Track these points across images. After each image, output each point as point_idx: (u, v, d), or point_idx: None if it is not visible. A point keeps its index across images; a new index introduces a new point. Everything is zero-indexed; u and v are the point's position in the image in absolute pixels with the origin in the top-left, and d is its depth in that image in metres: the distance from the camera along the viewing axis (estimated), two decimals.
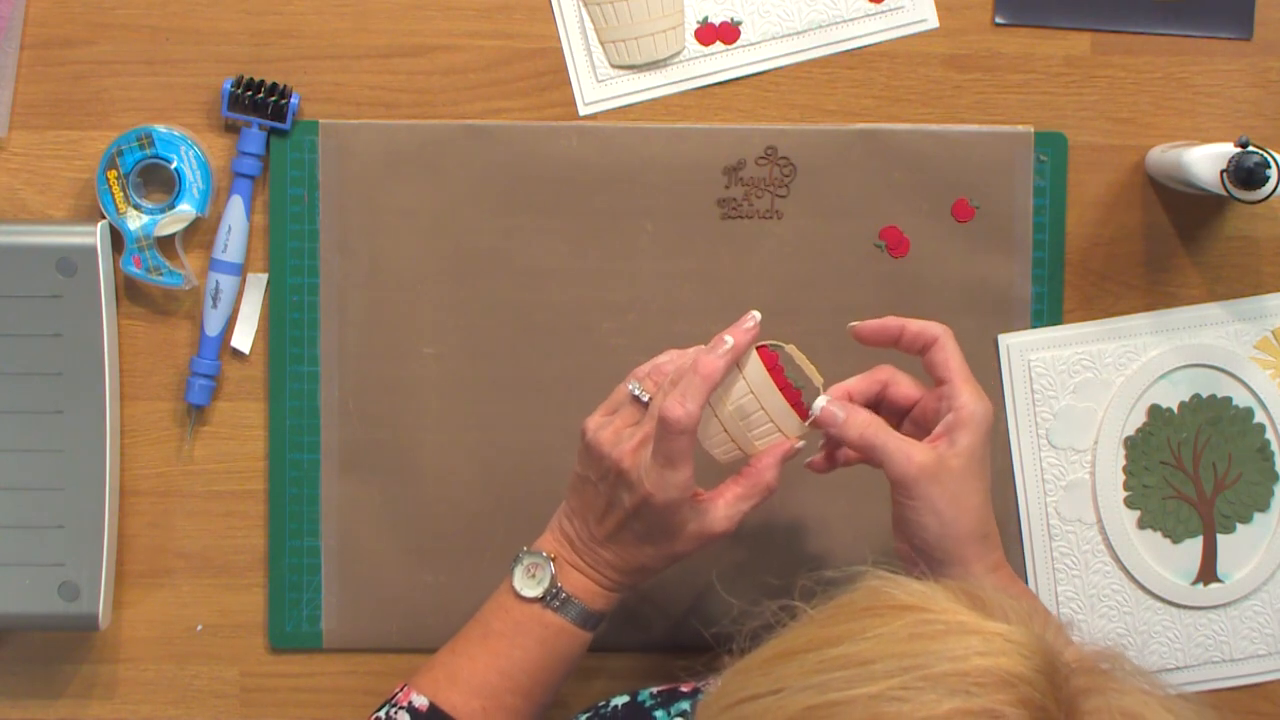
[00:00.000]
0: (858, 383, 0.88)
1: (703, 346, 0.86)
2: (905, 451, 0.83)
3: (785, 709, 0.60)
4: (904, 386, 0.88)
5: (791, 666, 0.63)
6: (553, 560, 0.89)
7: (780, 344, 0.88)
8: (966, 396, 0.84)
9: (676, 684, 0.84)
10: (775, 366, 0.86)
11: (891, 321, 0.87)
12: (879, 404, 0.89)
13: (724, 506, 0.86)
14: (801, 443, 0.87)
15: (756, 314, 0.86)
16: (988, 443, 0.85)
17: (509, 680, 0.88)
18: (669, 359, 0.88)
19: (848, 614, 0.65)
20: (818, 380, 0.88)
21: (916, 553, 0.84)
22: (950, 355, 0.86)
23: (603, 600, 0.89)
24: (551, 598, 0.88)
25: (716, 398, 0.86)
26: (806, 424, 0.86)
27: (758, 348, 0.86)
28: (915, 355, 0.87)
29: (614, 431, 0.86)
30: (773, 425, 0.86)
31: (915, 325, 0.87)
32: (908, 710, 0.58)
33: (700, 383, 0.82)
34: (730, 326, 0.85)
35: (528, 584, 0.89)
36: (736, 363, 0.85)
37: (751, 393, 0.86)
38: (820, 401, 0.85)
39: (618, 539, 0.87)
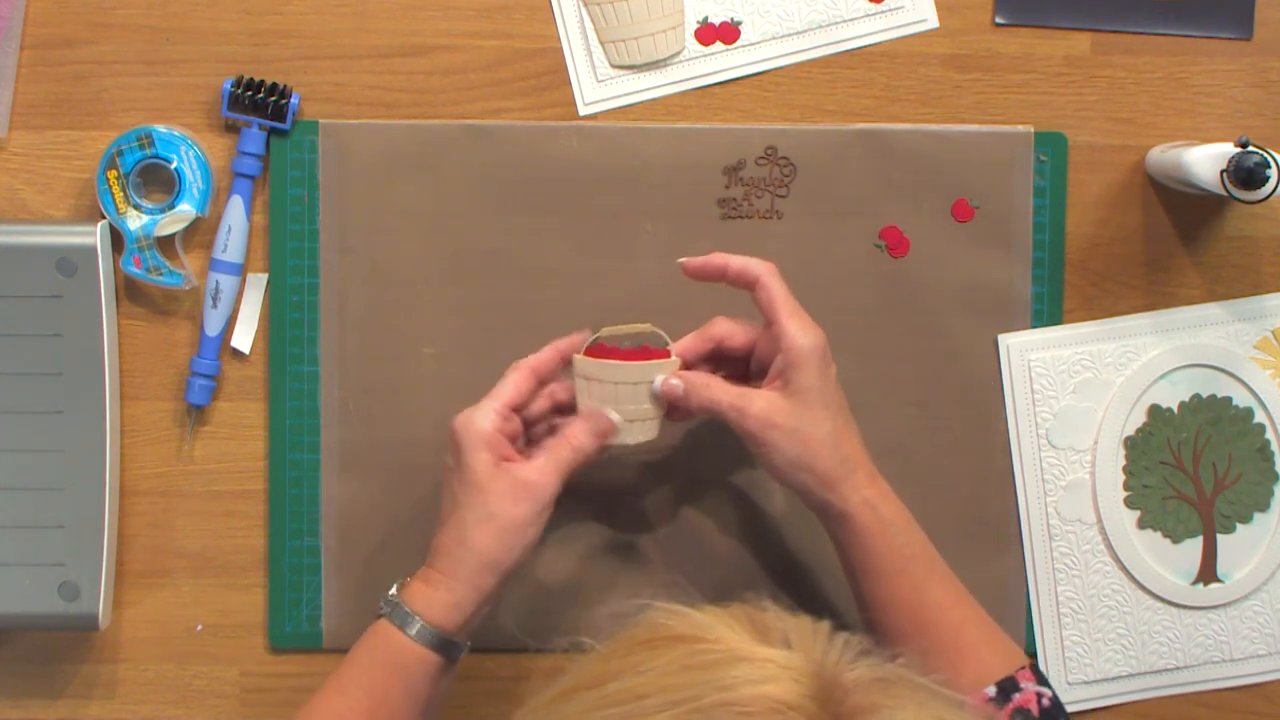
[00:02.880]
0: (690, 341, 0.91)
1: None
2: (740, 407, 0.86)
3: None
4: (738, 337, 0.91)
5: (574, 705, 0.64)
6: (405, 580, 0.89)
7: (593, 335, 0.91)
8: (793, 333, 0.86)
9: None
10: (606, 350, 0.90)
11: (716, 258, 0.90)
12: (719, 356, 0.92)
13: (531, 463, 0.87)
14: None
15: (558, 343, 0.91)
16: (825, 370, 0.87)
17: (341, 695, 0.87)
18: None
19: (627, 648, 0.67)
20: (644, 328, 0.91)
21: (788, 486, 0.88)
22: (774, 294, 0.88)
23: (439, 608, 0.86)
24: (384, 603, 0.88)
25: (621, 406, 0.89)
26: (676, 360, 0.90)
27: (585, 351, 0.90)
28: (745, 290, 0.90)
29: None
30: (647, 385, 0.89)
31: (737, 263, 0.89)
32: None
33: (495, 393, 0.88)
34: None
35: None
36: (583, 377, 0.89)
37: (611, 383, 0.89)
38: (658, 381, 0.88)
39: (442, 514, 0.88)
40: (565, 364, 0.91)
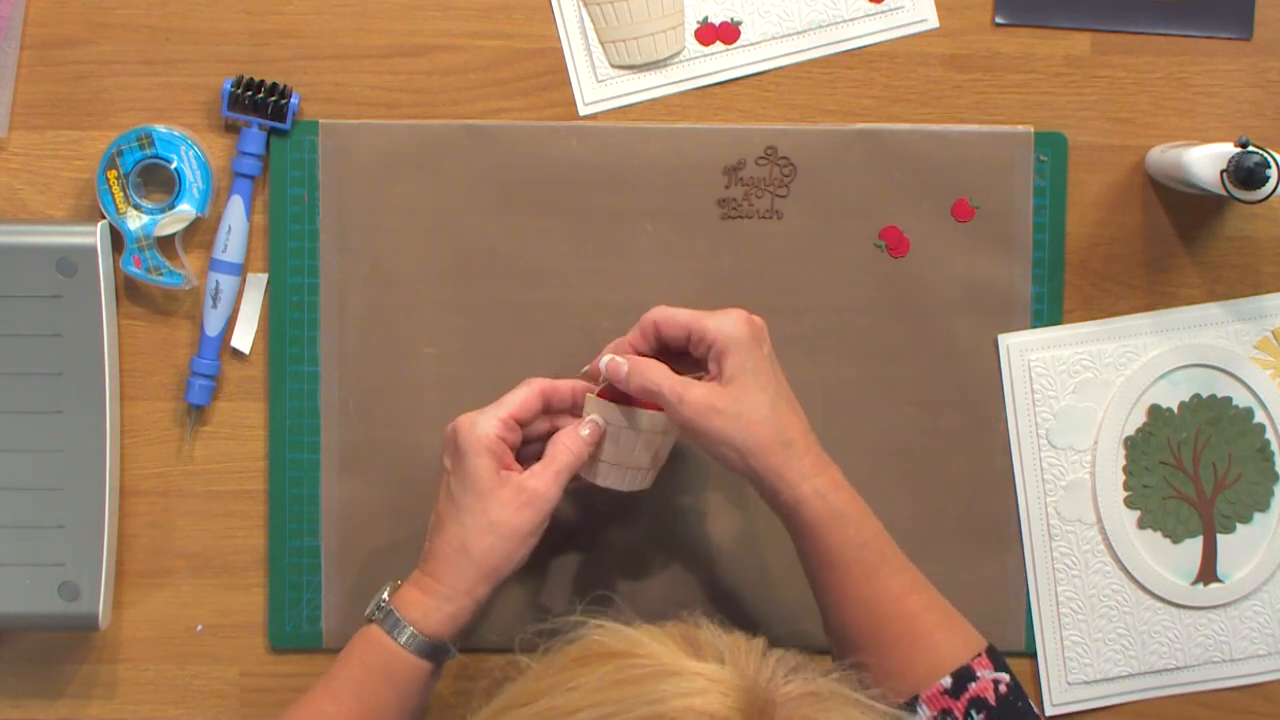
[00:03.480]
0: (632, 337, 0.91)
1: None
2: (678, 393, 0.85)
3: None
4: (675, 322, 0.90)
5: None
6: (397, 583, 0.89)
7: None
8: (711, 325, 0.86)
9: None
10: (619, 394, 0.90)
11: (608, 350, 0.90)
12: (670, 352, 0.92)
13: (533, 471, 0.87)
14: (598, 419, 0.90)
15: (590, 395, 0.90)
16: (755, 351, 0.86)
17: (332, 699, 0.87)
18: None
19: (559, 665, 0.68)
20: None
21: (740, 475, 0.86)
22: (675, 314, 0.88)
23: (435, 618, 0.87)
24: (374, 609, 0.88)
25: (622, 451, 0.89)
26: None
27: (599, 393, 0.90)
28: (656, 340, 0.90)
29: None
30: (660, 434, 0.90)
31: (627, 339, 0.90)
32: None
33: (502, 401, 0.88)
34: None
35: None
36: (606, 418, 0.89)
37: (620, 426, 0.89)
38: (605, 358, 0.88)
39: (439, 518, 0.88)
40: (580, 400, 0.91)
